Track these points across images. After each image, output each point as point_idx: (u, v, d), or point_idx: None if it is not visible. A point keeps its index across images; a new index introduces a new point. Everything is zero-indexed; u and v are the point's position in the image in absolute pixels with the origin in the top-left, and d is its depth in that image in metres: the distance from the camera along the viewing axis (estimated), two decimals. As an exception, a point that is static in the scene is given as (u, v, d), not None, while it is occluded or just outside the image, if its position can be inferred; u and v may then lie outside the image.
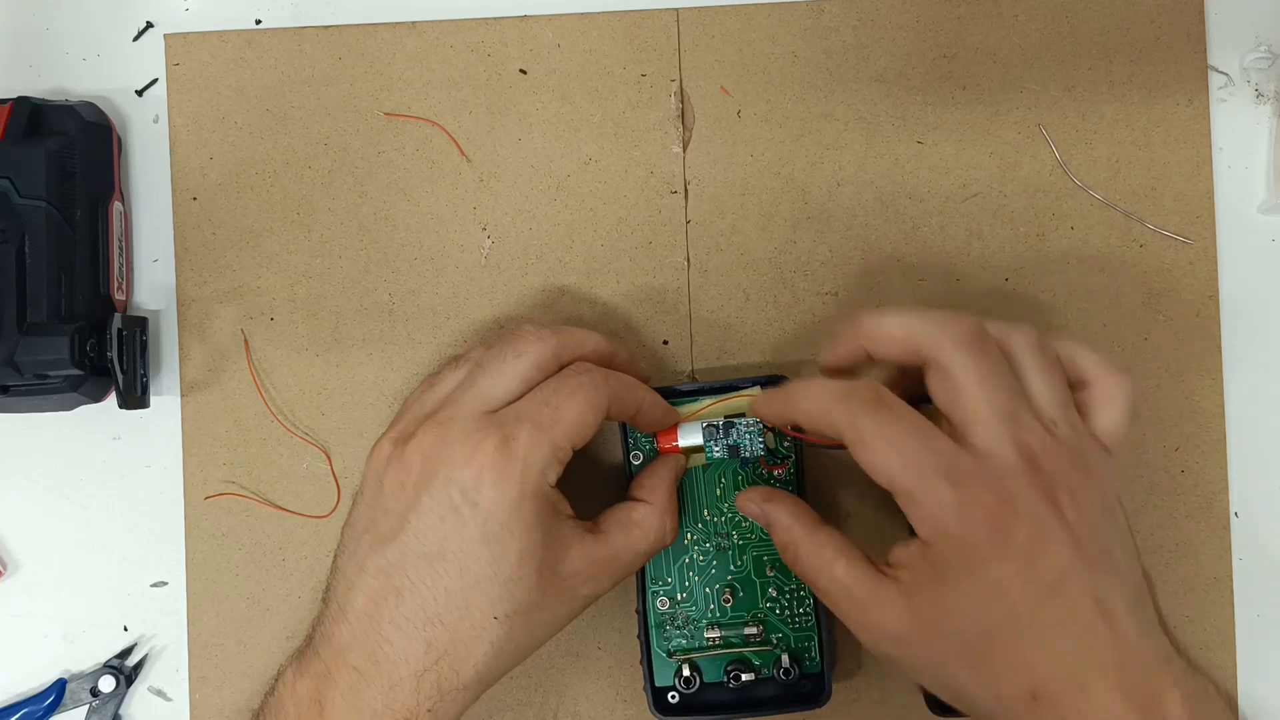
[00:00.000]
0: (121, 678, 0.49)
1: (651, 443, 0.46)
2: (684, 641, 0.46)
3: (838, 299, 0.49)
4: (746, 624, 0.46)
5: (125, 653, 0.49)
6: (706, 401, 0.47)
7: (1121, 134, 0.49)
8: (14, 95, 0.47)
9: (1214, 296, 0.49)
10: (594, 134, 0.50)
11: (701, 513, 0.47)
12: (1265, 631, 0.48)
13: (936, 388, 0.39)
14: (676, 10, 0.50)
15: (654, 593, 0.46)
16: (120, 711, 0.49)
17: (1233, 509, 0.48)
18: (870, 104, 0.49)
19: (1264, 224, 0.49)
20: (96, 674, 0.49)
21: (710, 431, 0.45)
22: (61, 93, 0.50)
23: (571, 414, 0.40)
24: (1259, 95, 0.49)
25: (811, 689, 0.46)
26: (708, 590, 0.46)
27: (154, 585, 0.50)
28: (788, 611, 0.46)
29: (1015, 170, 0.49)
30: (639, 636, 0.46)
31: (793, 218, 0.49)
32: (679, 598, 0.46)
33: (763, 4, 0.50)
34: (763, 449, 0.45)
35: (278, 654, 0.49)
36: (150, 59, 0.50)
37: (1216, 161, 0.49)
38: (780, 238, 0.49)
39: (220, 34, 0.50)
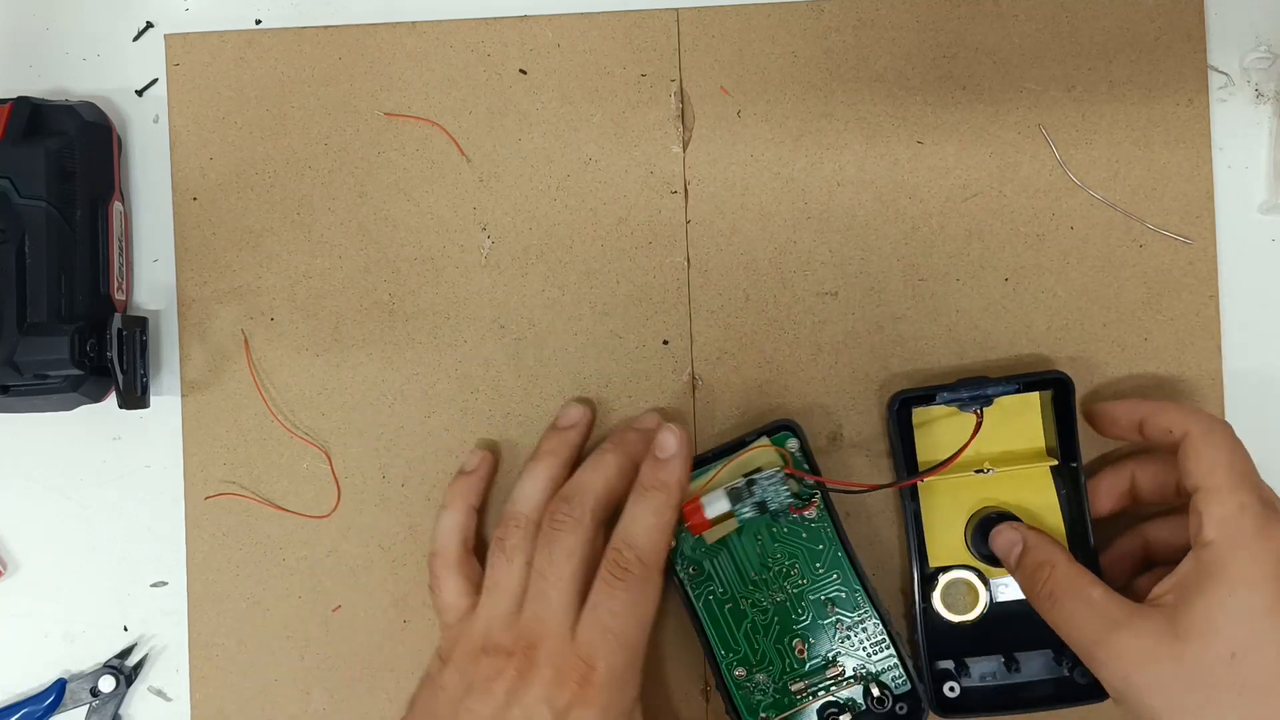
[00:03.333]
0: (121, 678, 0.49)
1: (681, 528, 0.46)
2: (773, 702, 0.46)
3: (838, 299, 0.49)
4: (826, 667, 0.46)
5: (125, 653, 0.49)
6: (718, 467, 0.47)
7: (1121, 134, 0.49)
8: (14, 95, 0.47)
9: (1214, 296, 0.49)
10: (594, 134, 0.50)
11: (749, 574, 0.46)
12: (1265, 631, 0.48)
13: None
14: (676, 10, 0.50)
15: (728, 665, 0.46)
16: (120, 711, 0.49)
17: (1233, 509, 0.48)
18: (870, 104, 0.49)
19: (1264, 224, 0.49)
20: (96, 674, 0.49)
21: (735, 494, 0.45)
22: (61, 93, 0.50)
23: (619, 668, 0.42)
24: (1259, 95, 0.49)
25: (910, 709, 0.46)
26: (778, 647, 0.46)
27: (154, 585, 0.50)
28: (860, 639, 0.46)
29: (1015, 170, 0.49)
30: (728, 714, 0.46)
31: (793, 218, 0.49)
32: (753, 663, 0.46)
33: (763, 4, 0.50)
34: (790, 497, 0.46)
35: (278, 654, 0.49)
36: (150, 59, 0.50)
37: (1216, 161, 0.49)
38: (780, 238, 0.49)
39: (220, 34, 0.50)
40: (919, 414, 0.47)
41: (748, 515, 0.46)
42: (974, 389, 0.45)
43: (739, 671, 0.46)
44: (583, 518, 0.44)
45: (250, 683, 0.49)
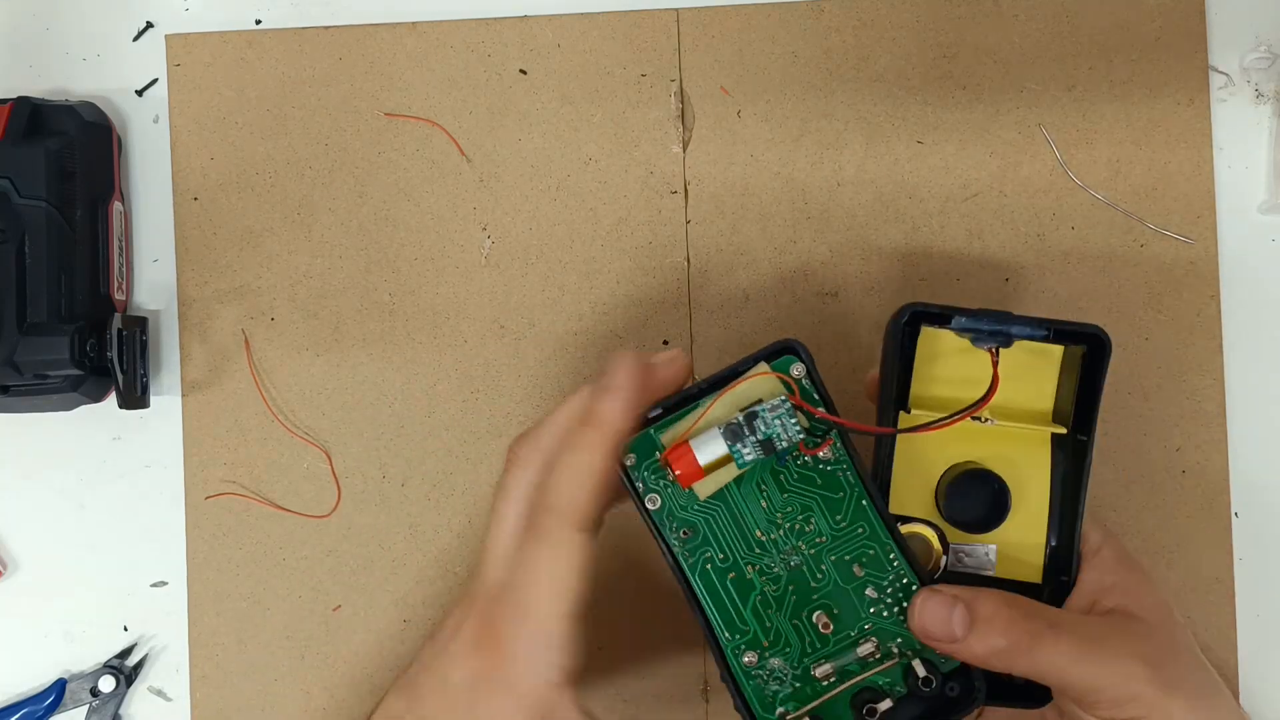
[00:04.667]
0: (121, 678, 0.49)
1: (662, 478, 0.38)
2: (792, 693, 0.38)
3: (838, 299, 0.49)
4: (856, 643, 0.38)
5: (125, 653, 0.49)
6: (707, 402, 0.38)
7: (1122, 134, 0.49)
8: (14, 95, 0.47)
9: (1215, 296, 0.49)
10: (594, 134, 0.50)
11: (754, 535, 0.38)
12: (1266, 631, 0.48)
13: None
14: (676, 10, 0.50)
15: (734, 649, 0.38)
16: (120, 711, 0.49)
17: (1233, 509, 0.48)
18: (870, 104, 0.49)
19: (1264, 224, 0.49)
20: (96, 674, 0.49)
21: (733, 432, 0.37)
22: (61, 93, 0.50)
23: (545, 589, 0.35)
24: (1259, 95, 0.49)
25: (961, 690, 0.38)
26: (796, 623, 0.38)
27: (154, 585, 0.50)
28: (897, 608, 0.38)
29: (1016, 170, 0.49)
30: (736, 708, 0.38)
31: (793, 218, 0.49)
32: (765, 644, 0.38)
33: (763, 4, 0.50)
34: (800, 432, 0.37)
35: (278, 653, 0.49)
36: (150, 59, 0.50)
37: (1217, 161, 0.49)
38: (780, 238, 0.49)
39: (221, 34, 0.50)
40: (924, 342, 0.41)
41: (750, 458, 0.37)
42: (996, 322, 0.39)
43: (748, 658, 0.38)
44: (529, 458, 0.38)
45: (250, 683, 0.49)
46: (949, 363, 0.41)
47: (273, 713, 0.49)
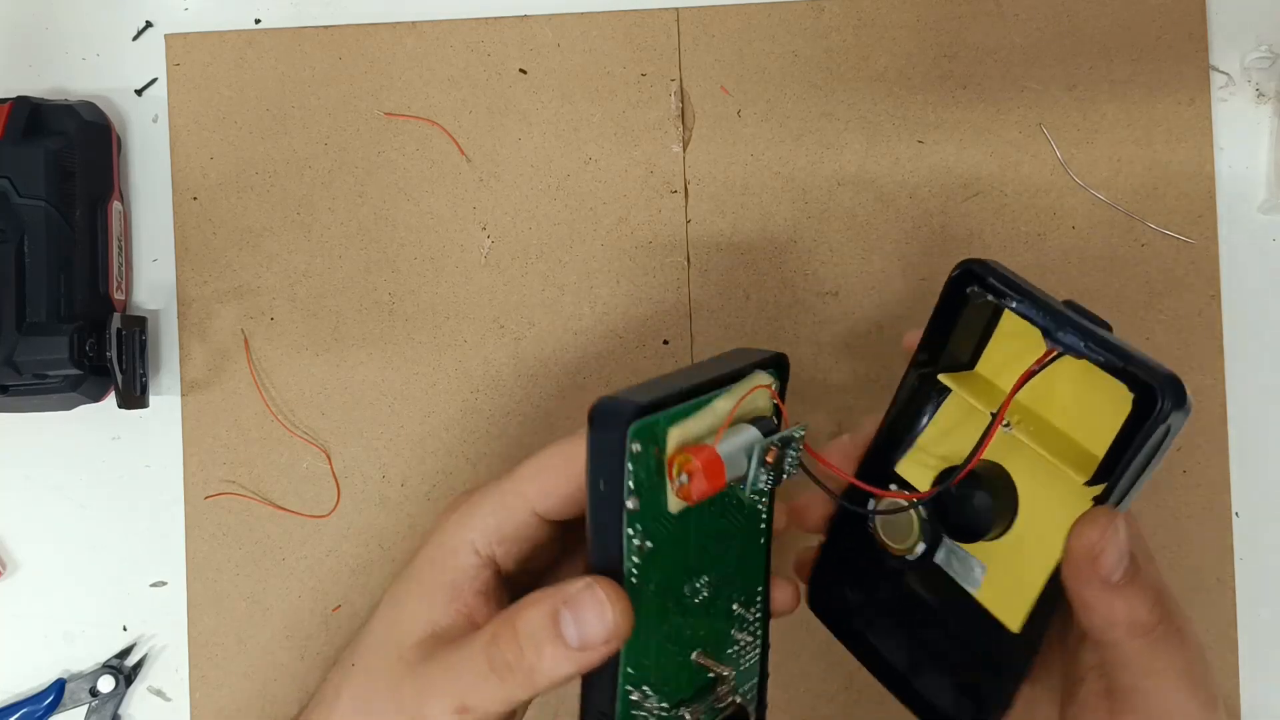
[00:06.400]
0: (121, 678, 0.49)
1: (650, 479, 0.31)
2: None
3: (838, 299, 0.49)
4: (716, 684, 0.35)
5: (125, 653, 0.49)
6: (720, 405, 0.32)
7: (1123, 133, 0.49)
8: (13, 95, 0.47)
9: (1215, 296, 0.49)
10: (594, 134, 0.50)
11: (690, 562, 0.33)
12: (1266, 631, 0.48)
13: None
14: (676, 10, 0.50)
15: (630, 683, 0.32)
16: (119, 711, 0.49)
17: (1234, 509, 0.48)
18: (871, 103, 0.49)
19: (1265, 223, 0.49)
20: (96, 674, 0.49)
21: (775, 462, 0.33)
22: (61, 92, 0.50)
23: None
24: (1260, 95, 0.49)
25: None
26: (681, 660, 0.34)
27: (154, 585, 0.50)
28: (752, 653, 0.36)
29: (1016, 170, 0.49)
30: None
31: (793, 218, 0.49)
32: (653, 680, 0.33)
33: (763, 4, 0.50)
34: (796, 467, 0.34)
35: (278, 653, 0.49)
36: (150, 59, 0.50)
37: (1218, 161, 0.49)
38: (780, 238, 0.49)
39: (220, 34, 0.50)
40: (1009, 317, 0.35)
41: (761, 487, 0.33)
42: (1045, 317, 0.32)
43: (636, 695, 0.32)
44: None
45: (250, 683, 0.49)
46: (1021, 346, 0.34)
47: (273, 713, 0.49)
